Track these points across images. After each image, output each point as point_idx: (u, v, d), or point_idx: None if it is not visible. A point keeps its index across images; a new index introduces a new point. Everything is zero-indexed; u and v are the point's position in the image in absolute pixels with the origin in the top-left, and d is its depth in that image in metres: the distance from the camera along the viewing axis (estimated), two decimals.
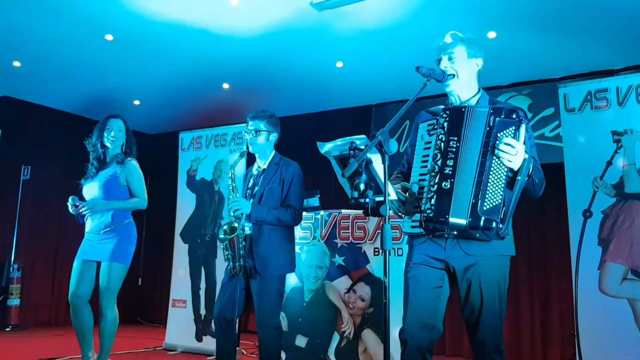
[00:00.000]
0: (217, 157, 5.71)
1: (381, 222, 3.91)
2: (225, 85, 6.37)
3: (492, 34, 4.79)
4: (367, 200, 2.07)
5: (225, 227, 3.26)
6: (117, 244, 3.65)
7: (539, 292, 5.52)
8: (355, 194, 2.07)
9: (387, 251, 1.98)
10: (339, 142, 2.13)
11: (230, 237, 3.20)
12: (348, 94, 6.44)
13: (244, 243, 3.25)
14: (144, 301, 7.95)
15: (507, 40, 4.90)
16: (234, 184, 3.31)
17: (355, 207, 2.24)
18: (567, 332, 4.96)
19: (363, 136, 2.09)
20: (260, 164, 3.46)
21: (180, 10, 4.57)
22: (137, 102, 7.05)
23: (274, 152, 3.47)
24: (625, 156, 3.93)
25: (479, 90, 2.43)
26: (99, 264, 3.69)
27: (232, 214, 3.22)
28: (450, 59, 2.37)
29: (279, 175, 3.35)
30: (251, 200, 3.33)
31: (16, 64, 5.80)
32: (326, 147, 2.17)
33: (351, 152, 2.09)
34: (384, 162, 2.04)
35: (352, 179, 2.06)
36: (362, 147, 2.07)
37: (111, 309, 3.61)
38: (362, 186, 2.04)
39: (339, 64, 5.62)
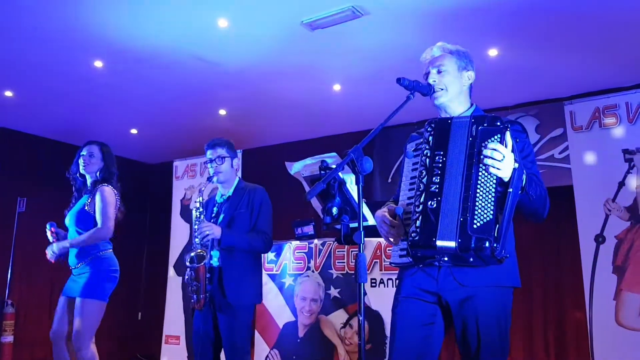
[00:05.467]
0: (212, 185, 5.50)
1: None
2: (222, 112, 6.20)
3: (493, 52, 4.58)
4: (341, 226, 1.83)
5: (193, 254, 3.06)
6: (89, 279, 3.39)
7: (554, 323, 5.17)
8: (328, 220, 1.83)
9: (362, 285, 1.73)
10: (308, 161, 1.92)
11: (198, 265, 2.99)
12: (348, 117, 6.23)
13: (209, 275, 3.05)
14: (144, 336, 7.65)
15: (510, 58, 4.69)
16: (201, 210, 3.12)
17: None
18: None
19: (334, 154, 1.87)
20: (224, 191, 3.30)
21: (169, 36, 4.42)
22: (134, 131, 6.90)
23: (237, 178, 3.33)
24: (638, 176, 3.66)
25: (472, 104, 2.20)
26: None
27: (200, 241, 3.02)
28: (439, 72, 2.15)
29: (247, 200, 3.18)
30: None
31: (8, 93, 5.69)
32: (295, 168, 1.94)
33: (322, 172, 1.86)
34: (358, 182, 1.79)
35: (325, 202, 1.83)
36: (334, 166, 1.84)
37: (85, 350, 3.31)
38: (334, 210, 1.80)
39: (337, 87, 5.42)
